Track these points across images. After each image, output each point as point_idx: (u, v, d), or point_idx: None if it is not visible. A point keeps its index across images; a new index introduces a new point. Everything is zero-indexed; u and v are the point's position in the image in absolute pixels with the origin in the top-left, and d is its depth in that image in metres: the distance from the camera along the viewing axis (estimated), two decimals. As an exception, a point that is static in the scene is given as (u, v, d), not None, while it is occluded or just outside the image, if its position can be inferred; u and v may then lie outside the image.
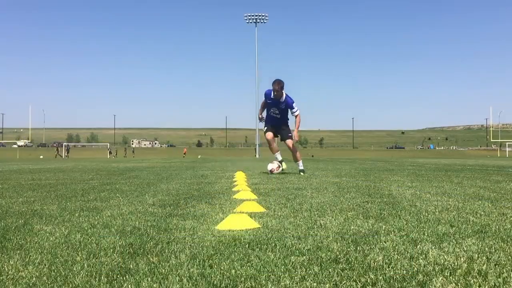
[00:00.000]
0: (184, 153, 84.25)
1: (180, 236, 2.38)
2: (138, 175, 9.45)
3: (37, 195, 4.83)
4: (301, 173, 9.00)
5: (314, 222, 2.80)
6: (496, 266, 1.74)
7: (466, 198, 4.25)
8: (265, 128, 9.37)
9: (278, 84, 8.83)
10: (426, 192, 4.94)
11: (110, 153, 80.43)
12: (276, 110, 9.07)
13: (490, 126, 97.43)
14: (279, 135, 9.42)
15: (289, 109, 9.04)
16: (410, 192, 4.93)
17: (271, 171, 8.92)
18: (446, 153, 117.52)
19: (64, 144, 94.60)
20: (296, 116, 9.05)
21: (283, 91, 8.93)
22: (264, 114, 9.51)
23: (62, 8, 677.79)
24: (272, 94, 8.94)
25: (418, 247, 2.08)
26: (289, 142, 9.23)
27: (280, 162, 9.22)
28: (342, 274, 1.65)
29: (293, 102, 8.94)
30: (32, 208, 3.68)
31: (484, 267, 1.70)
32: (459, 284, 1.53)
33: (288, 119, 9.32)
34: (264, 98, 9.22)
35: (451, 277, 1.60)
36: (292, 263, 1.80)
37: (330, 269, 1.70)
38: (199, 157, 57.85)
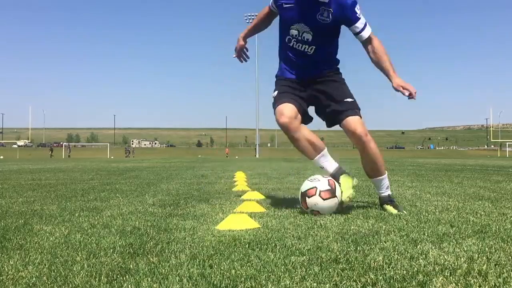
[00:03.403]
0: (227, 154, 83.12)
1: (180, 236, 2.38)
2: (138, 175, 9.44)
3: (37, 195, 4.83)
4: (389, 209, 3.34)
5: (314, 222, 2.80)
6: (496, 266, 1.74)
7: (466, 198, 4.25)
8: (275, 92, 3.55)
9: None
10: (426, 192, 4.94)
11: (129, 152, 78.16)
12: (308, 33, 3.41)
13: (490, 126, 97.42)
14: (316, 109, 3.63)
15: (349, 27, 3.41)
16: (410, 192, 4.93)
17: (306, 207, 3.17)
18: (446, 153, 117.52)
19: (64, 144, 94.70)
20: (369, 42, 3.40)
21: None
22: (246, 40, 3.94)
23: (62, 8, 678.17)
24: None
25: (418, 247, 2.07)
26: (354, 122, 3.38)
27: (337, 177, 3.35)
28: (342, 274, 1.65)
29: (356, 4, 3.33)
30: (32, 208, 3.68)
31: (484, 267, 1.70)
32: (459, 284, 1.53)
33: (335, 61, 3.65)
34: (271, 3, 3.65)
35: (451, 277, 1.60)
36: (292, 263, 1.79)
37: (330, 269, 1.70)
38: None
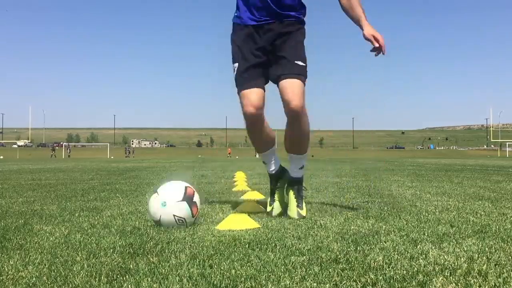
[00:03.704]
0: (229, 153, 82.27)
1: (180, 236, 2.38)
2: (138, 175, 9.45)
3: (37, 195, 4.83)
4: (291, 202, 3.07)
5: (314, 222, 2.80)
6: (496, 266, 1.74)
7: (466, 198, 4.25)
8: (236, 64, 3.03)
9: None
10: (426, 192, 4.94)
11: (129, 152, 76.95)
12: None
13: (491, 126, 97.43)
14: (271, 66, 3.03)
15: None
16: (410, 192, 4.93)
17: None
18: (446, 153, 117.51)
19: (64, 144, 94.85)
20: None
21: None
22: None
23: (62, 8, 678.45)
24: None
25: (418, 247, 2.07)
26: (292, 86, 2.90)
27: (275, 177, 3.31)
28: (342, 274, 1.65)
29: None
30: (32, 208, 3.68)
31: (484, 267, 1.70)
32: (459, 284, 1.52)
33: (301, 6, 3.07)
34: None
35: (451, 277, 1.60)
36: (292, 263, 1.79)
37: (330, 269, 1.70)
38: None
